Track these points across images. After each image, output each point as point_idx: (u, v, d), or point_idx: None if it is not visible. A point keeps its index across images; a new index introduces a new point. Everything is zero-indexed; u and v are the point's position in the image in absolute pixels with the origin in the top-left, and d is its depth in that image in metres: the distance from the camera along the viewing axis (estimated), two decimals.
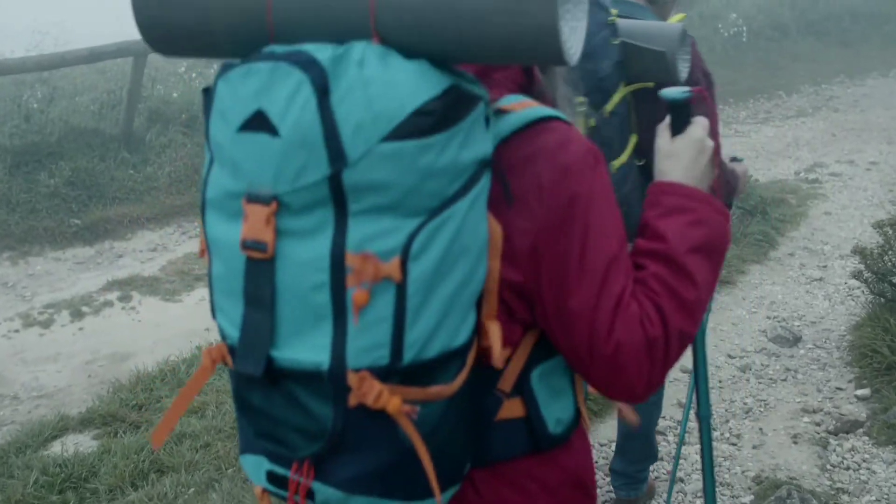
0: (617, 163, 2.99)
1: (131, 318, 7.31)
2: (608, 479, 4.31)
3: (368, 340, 1.34)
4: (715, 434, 4.87)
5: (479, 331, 1.48)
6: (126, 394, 5.61)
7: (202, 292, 7.86)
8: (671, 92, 1.77)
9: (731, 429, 4.94)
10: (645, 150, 3.02)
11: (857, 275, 5.89)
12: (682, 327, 1.54)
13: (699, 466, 4.54)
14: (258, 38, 1.42)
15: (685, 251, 1.58)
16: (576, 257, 1.48)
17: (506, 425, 1.59)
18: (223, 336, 1.51)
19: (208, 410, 5.25)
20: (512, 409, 1.59)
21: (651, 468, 4.37)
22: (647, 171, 3.06)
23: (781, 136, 12.07)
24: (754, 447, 4.71)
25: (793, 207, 8.91)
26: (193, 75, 13.26)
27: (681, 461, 4.60)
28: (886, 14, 18.61)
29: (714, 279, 1.62)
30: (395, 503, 1.45)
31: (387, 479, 1.43)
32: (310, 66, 1.31)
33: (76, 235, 9.05)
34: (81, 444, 5.07)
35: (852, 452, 4.64)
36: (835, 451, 4.67)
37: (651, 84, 2.90)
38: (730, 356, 5.79)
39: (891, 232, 5.62)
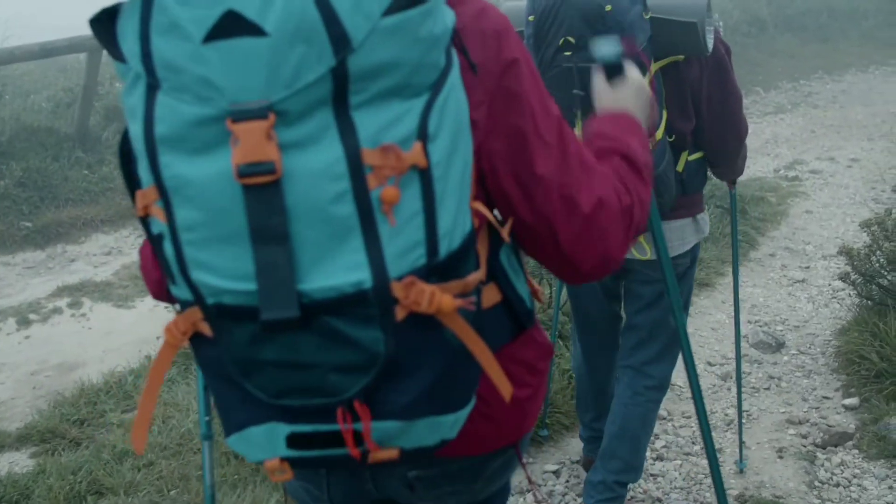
0: (657, 137, 3.07)
1: (81, 325, 6.98)
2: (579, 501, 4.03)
3: (404, 242, 1.26)
4: (695, 448, 4.59)
5: None
6: (68, 408, 5.28)
7: None
8: (604, 50, 1.89)
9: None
10: (671, 126, 3.13)
11: (843, 277, 5.63)
12: (641, 216, 1.59)
13: (677, 485, 4.27)
14: None
15: (643, 162, 1.64)
16: (531, 124, 1.45)
17: (490, 314, 1.51)
18: (198, 299, 1.33)
19: (154, 426, 4.93)
20: (490, 295, 1.52)
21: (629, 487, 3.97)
22: (675, 147, 3.18)
23: (760, 132, 11.82)
24: (736, 462, 4.43)
25: (773, 206, 8.65)
26: None
27: (659, 479, 4.33)
28: (864, 10, 18.46)
29: (648, 210, 1.64)
30: (446, 417, 1.38)
31: (441, 394, 1.36)
32: None
33: (27, 239, 8.69)
34: (17, 462, 4.74)
35: (842, 467, 4.37)
36: (823, 466, 4.40)
37: (682, 57, 3.05)
38: (709, 363, 5.51)
39: (878, 231, 5.36)
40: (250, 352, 1.32)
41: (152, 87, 1.25)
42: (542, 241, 1.52)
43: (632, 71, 1.86)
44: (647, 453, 4.51)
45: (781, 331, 5.99)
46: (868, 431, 4.61)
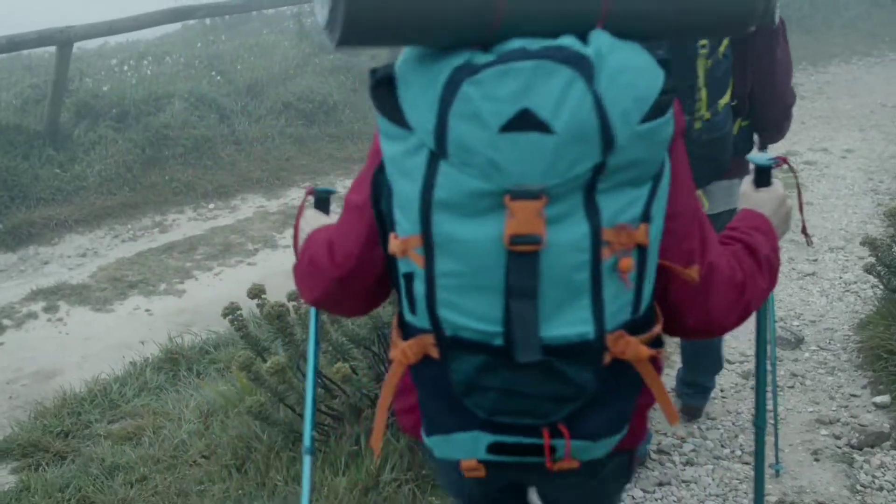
0: (723, 102, 3.32)
1: (58, 330, 6.69)
2: None
3: (620, 303, 1.56)
4: (725, 451, 4.36)
5: None
6: (50, 419, 4.99)
7: (136, 300, 7.25)
8: (758, 158, 2.13)
9: (741, 445, 4.42)
10: (736, 92, 3.39)
11: (868, 268, 5.39)
12: (754, 298, 1.80)
13: (712, 491, 4.02)
14: (479, 29, 1.46)
15: (764, 255, 1.85)
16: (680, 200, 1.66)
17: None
18: (436, 329, 1.63)
19: (144, 437, 4.64)
20: None
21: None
22: (736, 111, 3.45)
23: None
24: (771, 465, 4.19)
25: None
26: (125, 68, 12.56)
27: (692, 485, 4.08)
28: (846, 0, 18.34)
29: (764, 299, 1.87)
30: (614, 438, 1.73)
31: (616, 421, 1.71)
32: (578, 61, 1.43)
33: None
34: None
35: (882, 470, 4.14)
36: (862, 468, 4.17)
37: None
38: (728, 361, 5.26)
39: None
40: (477, 377, 1.63)
41: (436, 157, 1.49)
42: (657, 294, 1.72)
43: (777, 185, 2.10)
44: (677, 458, 4.28)
45: (798, 326, 5.77)
46: None
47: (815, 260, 7.02)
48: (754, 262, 1.82)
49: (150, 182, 9.83)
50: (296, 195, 10.07)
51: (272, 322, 3.83)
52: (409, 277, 1.62)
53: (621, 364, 1.60)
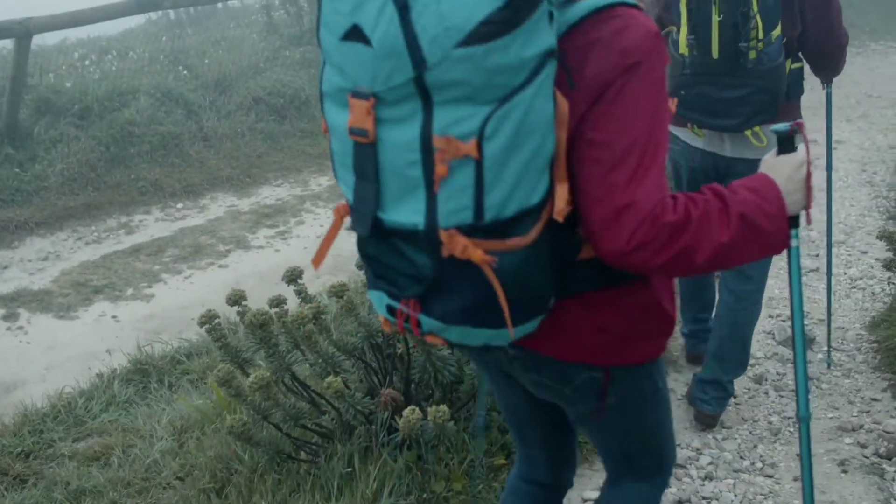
0: (775, 33, 3.56)
1: (18, 340, 6.34)
2: None
3: (455, 205, 1.74)
4: (744, 464, 4.06)
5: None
6: (9, 438, 4.63)
7: (102, 306, 6.91)
8: (778, 127, 2.14)
9: (761, 456, 4.13)
10: (785, 30, 3.63)
11: (888, 264, 5.11)
12: (691, 245, 1.83)
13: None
14: None
15: (738, 210, 1.88)
16: (618, 110, 1.81)
17: (587, 264, 1.95)
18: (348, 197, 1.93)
19: (113, 457, 4.29)
20: (590, 250, 1.91)
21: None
22: (786, 49, 3.66)
23: None
24: (796, 479, 3.92)
25: None
26: (87, 63, 12.15)
27: (713, 502, 3.78)
28: None
29: (735, 259, 1.90)
30: (484, 330, 1.89)
31: (476, 314, 1.86)
32: None
33: None
34: None
35: None
36: (895, 480, 3.88)
37: None
38: None
39: None
40: (362, 245, 1.94)
41: (324, 59, 1.86)
42: (582, 213, 1.86)
43: (800, 151, 2.07)
44: (694, 472, 3.98)
45: (808, 326, 5.48)
46: None
47: (817, 255, 6.76)
48: (718, 214, 1.87)
49: (114, 181, 9.48)
50: (268, 193, 9.73)
51: (254, 332, 3.50)
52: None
53: (466, 261, 1.76)
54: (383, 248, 1.87)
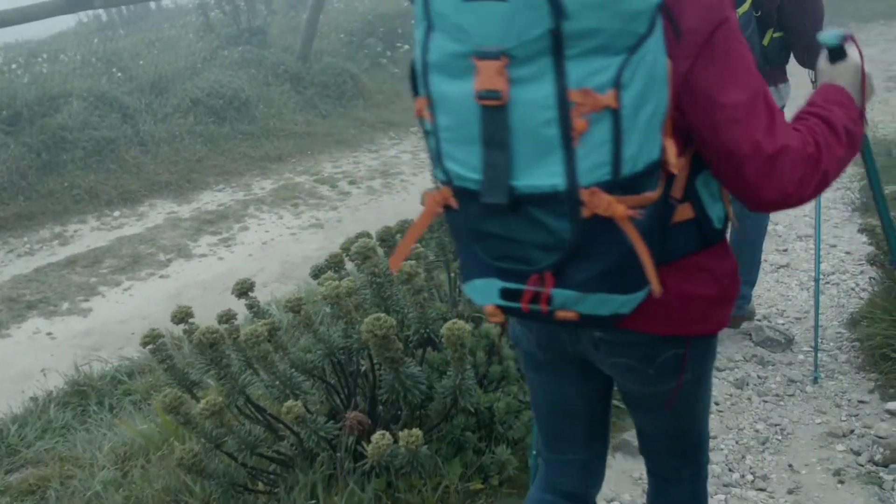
0: (741, 10, 3.82)
1: None
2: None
3: (594, 161, 1.69)
4: (734, 477, 3.83)
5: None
6: None
7: (36, 323, 6.57)
8: (826, 39, 2.20)
9: (751, 468, 3.90)
10: (759, 3, 3.93)
11: (871, 259, 4.90)
12: (827, 168, 1.92)
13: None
14: None
15: (841, 124, 1.99)
16: (729, 75, 1.83)
17: (680, 227, 1.99)
18: (449, 181, 1.86)
19: (50, 490, 3.96)
20: (683, 212, 1.99)
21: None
22: (762, 22, 4.00)
23: None
24: (790, 492, 3.69)
25: None
26: (14, 66, 11.71)
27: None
28: None
29: (843, 166, 2.00)
30: (619, 297, 1.84)
31: (614, 278, 1.82)
32: None
33: None
34: None
35: None
36: (894, 489, 3.66)
37: None
38: (717, 368, 4.75)
39: None
40: (479, 223, 1.87)
41: (429, 27, 1.79)
42: (726, 168, 1.88)
43: (853, 56, 2.17)
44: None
45: (784, 325, 5.28)
46: None
47: (786, 250, 6.59)
48: (831, 134, 1.96)
49: (47, 189, 9.13)
50: (209, 199, 9.41)
51: (203, 352, 3.20)
52: (426, 135, 1.91)
53: (607, 221, 1.72)
54: (511, 221, 1.80)
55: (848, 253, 6.35)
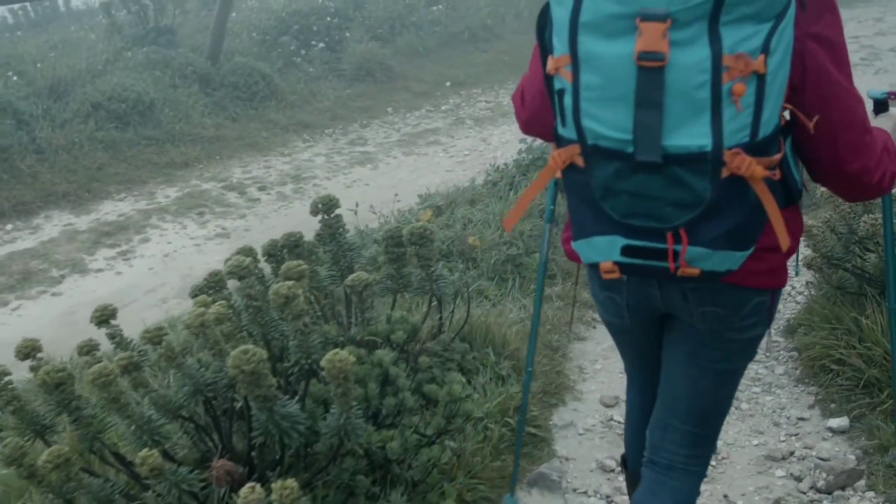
0: None
1: None
2: None
3: (738, 124, 1.87)
4: None
5: None
6: None
7: None
8: (874, 93, 2.59)
9: None
10: None
11: (808, 263, 4.60)
12: (891, 170, 2.19)
13: None
14: None
15: (893, 149, 2.22)
16: (836, 63, 2.03)
17: (773, 187, 1.99)
18: (581, 139, 2.01)
19: None
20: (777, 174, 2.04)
21: None
22: None
23: None
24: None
25: None
26: None
27: None
28: None
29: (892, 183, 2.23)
30: (736, 254, 2.02)
31: (735, 236, 1.99)
32: None
33: None
34: None
35: None
36: None
37: None
38: (605, 404, 4.41)
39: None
40: (613, 182, 2.00)
41: None
42: (827, 141, 2.09)
43: (894, 111, 2.58)
44: None
45: None
46: (878, 464, 3.61)
47: None
48: (890, 154, 2.18)
49: None
50: (109, 209, 8.93)
51: (50, 393, 2.78)
52: (561, 93, 2.03)
53: (739, 181, 1.90)
54: (650, 179, 1.94)
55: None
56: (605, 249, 2.10)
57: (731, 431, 4.03)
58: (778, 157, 1.94)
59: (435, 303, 3.68)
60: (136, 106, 10.70)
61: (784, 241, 1.97)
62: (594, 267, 2.29)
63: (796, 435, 3.96)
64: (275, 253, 3.65)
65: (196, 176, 9.86)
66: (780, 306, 5.19)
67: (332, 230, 3.87)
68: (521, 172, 7.10)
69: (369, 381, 3.20)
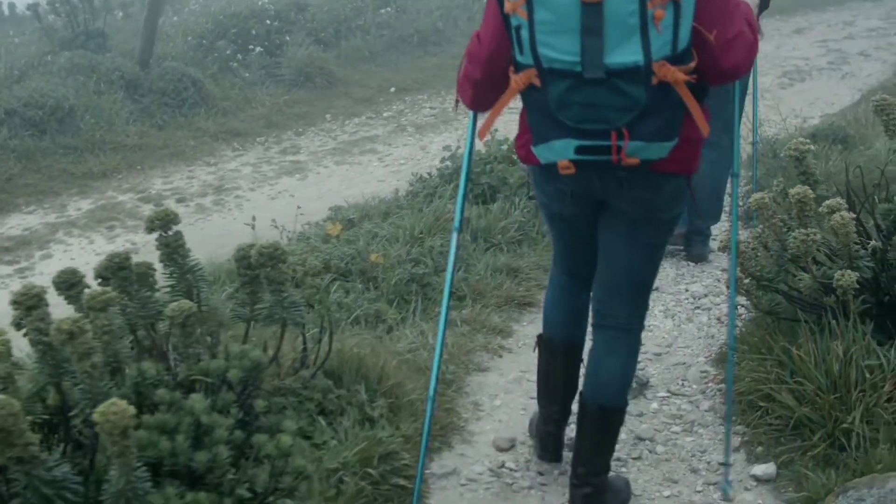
0: None
1: None
2: None
3: (661, 41, 2.59)
4: None
5: None
6: None
7: None
8: None
9: None
10: None
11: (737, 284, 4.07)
12: (755, 52, 2.91)
13: None
14: None
15: (753, 23, 2.93)
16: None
17: (690, 88, 2.75)
18: (537, 64, 2.72)
19: None
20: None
21: None
22: None
23: None
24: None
25: None
26: None
27: None
28: None
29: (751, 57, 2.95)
30: (666, 144, 2.77)
31: (668, 129, 2.74)
32: None
33: None
34: None
35: None
36: None
37: None
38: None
39: (780, 210, 3.89)
40: (566, 95, 2.72)
41: None
42: (706, 49, 2.70)
43: None
44: None
45: (640, 363, 4.47)
46: None
47: None
48: (751, 28, 2.85)
49: None
50: (15, 222, 8.36)
51: None
52: (518, 29, 2.71)
53: (665, 86, 2.65)
54: (596, 91, 2.67)
55: (725, 271, 5.57)
56: (562, 150, 2.83)
57: (641, 480, 3.54)
58: (693, 64, 2.66)
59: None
60: (54, 113, 10.13)
61: (704, 129, 2.81)
62: (549, 167, 2.94)
63: (715, 484, 3.47)
64: (112, 274, 3.19)
65: (113, 187, 9.31)
66: (713, 331, 4.75)
67: (170, 250, 3.38)
68: (444, 182, 6.58)
69: (179, 431, 2.69)
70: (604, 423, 3.28)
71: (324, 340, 3.57)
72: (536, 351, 3.67)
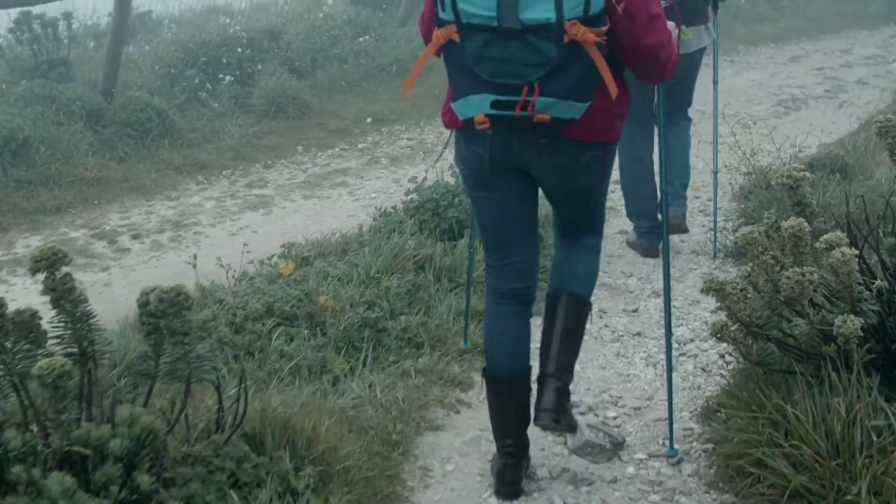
0: None
1: None
2: None
3: (574, 1, 2.84)
4: None
5: None
6: None
7: None
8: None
9: None
10: None
11: (718, 331, 3.60)
12: (673, 50, 3.30)
13: None
14: None
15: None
16: None
17: (602, 51, 3.01)
18: (457, 20, 2.95)
19: None
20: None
21: None
22: None
23: None
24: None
25: None
26: None
27: None
28: None
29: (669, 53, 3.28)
30: (577, 104, 3.01)
31: (576, 89, 2.98)
32: None
33: None
34: None
35: None
36: None
37: None
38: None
39: (771, 246, 3.44)
40: (483, 49, 2.95)
41: None
42: (628, 26, 3.02)
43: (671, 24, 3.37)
44: None
45: (616, 419, 4.02)
46: None
47: (636, 310, 5.34)
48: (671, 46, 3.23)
49: None
50: None
51: None
52: None
53: (577, 45, 2.88)
54: (510, 46, 2.92)
55: (714, 313, 5.11)
56: (478, 104, 3.04)
57: None
58: (605, 28, 2.95)
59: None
60: (7, 144, 9.67)
61: (612, 90, 2.98)
62: (468, 124, 3.14)
63: None
64: None
65: (67, 223, 8.86)
66: (700, 380, 4.29)
67: (57, 294, 2.93)
68: (408, 216, 6.13)
69: None
70: (573, 310, 3.50)
71: (241, 398, 3.11)
72: (483, 385, 3.63)
